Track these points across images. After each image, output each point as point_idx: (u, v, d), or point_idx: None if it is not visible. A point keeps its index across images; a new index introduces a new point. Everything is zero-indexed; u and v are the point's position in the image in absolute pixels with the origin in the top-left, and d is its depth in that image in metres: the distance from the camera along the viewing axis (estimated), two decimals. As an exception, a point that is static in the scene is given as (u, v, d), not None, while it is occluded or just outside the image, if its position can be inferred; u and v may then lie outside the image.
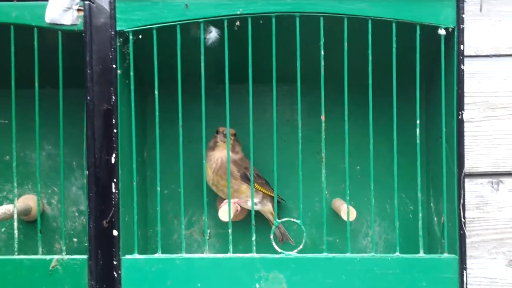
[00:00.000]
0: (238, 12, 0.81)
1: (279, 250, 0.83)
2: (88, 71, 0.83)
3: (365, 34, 0.81)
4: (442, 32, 0.81)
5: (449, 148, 0.84)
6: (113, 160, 0.82)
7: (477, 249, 1.08)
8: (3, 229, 1.05)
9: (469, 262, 1.05)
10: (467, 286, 0.81)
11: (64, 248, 0.84)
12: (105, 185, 0.87)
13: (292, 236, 1.04)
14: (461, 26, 0.81)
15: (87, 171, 0.84)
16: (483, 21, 1.09)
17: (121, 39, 0.83)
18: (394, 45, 0.81)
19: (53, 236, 1.04)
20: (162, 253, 0.83)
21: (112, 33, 0.82)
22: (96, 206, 0.84)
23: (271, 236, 0.85)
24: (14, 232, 0.85)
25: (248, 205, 0.99)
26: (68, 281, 0.82)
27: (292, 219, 0.85)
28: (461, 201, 0.81)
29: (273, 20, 0.81)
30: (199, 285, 0.81)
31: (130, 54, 0.83)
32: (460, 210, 0.81)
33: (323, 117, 0.83)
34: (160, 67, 0.83)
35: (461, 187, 0.81)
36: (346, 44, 0.81)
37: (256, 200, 1.01)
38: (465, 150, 0.82)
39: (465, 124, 0.82)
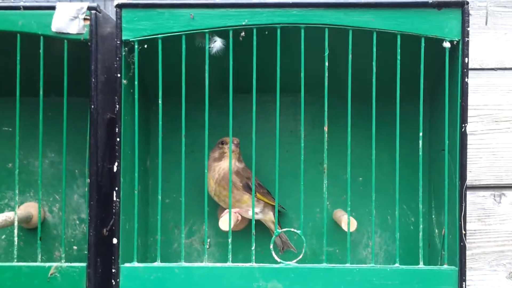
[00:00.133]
0: (244, 23, 0.82)
1: (278, 260, 0.83)
2: (93, 79, 0.83)
3: (369, 46, 0.81)
4: (447, 45, 0.82)
5: (451, 160, 0.84)
6: (115, 169, 0.83)
7: (477, 261, 1.08)
8: (3, 236, 1.05)
9: (469, 274, 1.05)
10: (467, 298, 0.81)
11: (63, 255, 0.85)
12: (106, 194, 0.87)
13: (293, 245, 1.04)
14: (466, 39, 0.81)
15: (89, 179, 0.84)
16: (489, 34, 1.10)
17: (126, 49, 0.83)
18: (399, 57, 0.81)
19: (53, 244, 1.04)
20: (161, 262, 0.83)
21: (118, 42, 0.82)
22: (97, 214, 0.84)
23: (271, 246, 0.85)
24: (14, 239, 0.85)
25: (249, 214, 0.99)
26: (67, 288, 0.82)
27: (292, 229, 0.86)
28: (462, 213, 0.81)
29: (278, 31, 0.82)
30: (197, 294, 0.82)
31: (135, 63, 0.84)
32: (461, 222, 0.81)
33: (326, 128, 0.83)
34: (165, 76, 0.83)
35: (462, 199, 0.81)
36: (350, 56, 0.81)
37: (257, 209, 1.01)
38: (468, 162, 0.82)
39: (469, 137, 0.83)
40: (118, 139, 0.83)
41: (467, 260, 0.82)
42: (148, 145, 1.04)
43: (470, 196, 1.08)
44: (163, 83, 0.83)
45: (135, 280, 0.82)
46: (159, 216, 0.84)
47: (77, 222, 1.04)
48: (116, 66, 0.82)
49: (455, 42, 0.81)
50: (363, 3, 0.81)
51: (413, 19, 0.81)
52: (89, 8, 0.83)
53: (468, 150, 0.83)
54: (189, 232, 1.06)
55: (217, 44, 0.84)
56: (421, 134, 0.83)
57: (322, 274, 0.82)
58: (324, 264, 0.82)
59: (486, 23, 1.09)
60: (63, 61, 0.83)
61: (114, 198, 0.82)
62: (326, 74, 0.82)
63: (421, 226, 0.83)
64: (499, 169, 1.09)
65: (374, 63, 0.81)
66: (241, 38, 0.83)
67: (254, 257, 0.83)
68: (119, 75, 0.83)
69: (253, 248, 0.83)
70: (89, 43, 0.83)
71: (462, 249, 0.81)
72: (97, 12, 0.84)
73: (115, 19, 0.83)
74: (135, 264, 0.83)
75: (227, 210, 0.94)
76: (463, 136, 0.82)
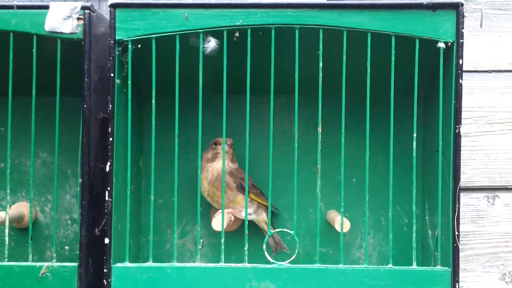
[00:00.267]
0: (238, 24, 0.82)
1: (271, 260, 0.83)
2: (86, 79, 0.83)
3: (364, 47, 0.81)
4: (441, 44, 0.82)
5: (445, 161, 0.84)
6: (107, 169, 0.82)
7: (471, 262, 1.08)
8: (-6, 236, 1.05)
9: (462, 275, 1.05)
10: (460, 298, 0.81)
11: (55, 255, 0.84)
12: (98, 193, 0.87)
13: (286, 246, 1.04)
14: (461, 40, 0.81)
15: (81, 179, 0.84)
16: (483, 37, 1.10)
17: (120, 48, 0.83)
18: (393, 59, 0.82)
19: (45, 244, 1.03)
20: (153, 262, 0.83)
21: (111, 42, 0.82)
22: (89, 214, 0.84)
23: (264, 246, 0.85)
24: (5, 238, 0.85)
25: (242, 215, 0.99)
26: (58, 288, 0.82)
27: (285, 230, 0.85)
28: (456, 215, 0.81)
29: (273, 32, 0.82)
30: (189, 294, 0.81)
31: (129, 63, 0.83)
32: (454, 223, 0.81)
33: (319, 129, 0.83)
34: (158, 76, 0.83)
35: (456, 201, 0.81)
36: (345, 57, 0.81)
37: (250, 210, 1.01)
38: (461, 164, 0.82)
39: (463, 139, 0.83)
40: (110, 139, 0.82)
41: (460, 262, 0.82)
42: (141, 145, 1.04)
43: (464, 197, 1.08)
44: (157, 83, 0.83)
45: (127, 280, 0.81)
46: (151, 216, 0.84)
47: (69, 222, 1.04)
48: (109, 65, 0.82)
49: (449, 43, 0.82)
50: (357, 4, 0.81)
51: (408, 20, 0.82)
52: (83, 8, 0.83)
53: (462, 152, 0.83)
54: (182, 232, 1.06)
55: (211, 44, 0.83)
56: (415, 135, 0.83)
57: (315, 275, 0.81)
58: (317, 264, 0.82)
59: (481, 26, 1.09)
60: (56, 60, 0.82)
61: (106, 198, 0.82)
62: (321, 75, 0.82)
63: (414, 227, 0.84)
64: (493, 171, 1.09)
65: (368, 64, 0.82)
66: (235, 39, 0.83)
67: (247, 258, 0.83)
68: (112, 74, 0.82)
69: (246, 248, 0.83)
70: (82, 43, 0.83)
71: (456, 250, 0.81)
72: (91, 12, 0.84)
73: (109, 19, 0.83)
74: (127, 264, 0.83)
75: (220, 210, 0.94)
76: (457, 137, 0.82)
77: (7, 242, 0.85)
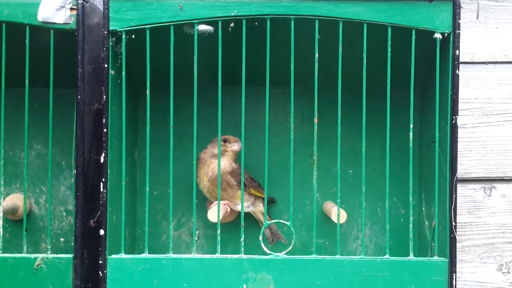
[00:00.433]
0: (233, 14, 0.81)
1: (267, 251, 0.83)
2: (80, 70, 0.83)
3: (360, 38, 0.81)
4: (438, 35, 0.81)
5: (442, 152, 0.84)
6: (102, 160, 0.82)
7: (467, 253, 1.08)
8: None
9: (459, 266, 1.05)
10: (457, 289, 0.81)
11: (49, 247, 0.84)
12: (93, 185, 0.86)
13: (282, 237, 1.05)
14: (457, 31, 0.81)
15: (75, 170, 0.83)
16: (480, 28, 1.10)
17: (113, 39, 0.82)
18: (389, 50, 0.81)
19: (39, 236, 1.03)
20: (149, 253, 0.83)
21: (105, 32, 0.82)
22: (84, 205, 0.83)
23: (260, 237, 0.85)
24: (-1, 230, 0.85)
25: (238, 208, 0.99)
26: (53, 280, 0.81)
27: (282, 221, 0.85)
28: (453, 205, 0.81)
29: (268, 22, 0.81)
30: (185, 285, 0.81)
31: (123, 54, 0.83)
32: (451, 214, 0.81)
33: (316, 120, 0.83)
34: (153, 67, 0.83)
35: (453, 191, 0.81)
36: (341, 48, 0.81)
37: (248, 203, 1.01)
38: (458, 155, 0.82)
39: (459, 130, 0.83)
40: (105, 130, 0.82)
41: (457, 253, 0.82)
42: (135, 136, 1.03)
43: (460, 189, 1.08)
44: (151, 74, 0.83)
45: (123, 271, 0.81)
46: (146, 207, 0.84)
47: (64, 214, 1.03)
48: (103, 56, 0.82)
49: (446, 34, 0.81)
50: (353, -6, 0.81)
51: (404, 11, 0.81)
52: (76, -2, 0.83)
53: (458, 143, 0.82)
54: (178, 224, 1.06)
55: (206, 27, 0.83)
56: (411, 126, 0.83)
57: (312, 266, 0.81)
58: (313, 255, 0.82)
59: (477, 17, 1.09)
60: (50, 51, 0.82)
61: (101, 189, 0.82)
62: (316, 66, 0.81)
63: (411, 218, 0.83)
64: (490, 162, 1.09)
65: (364, 55, 0.81)
66: (230, 29, 0.82)
67: (243, 249, 0.83)
68: (106, 65, 0.82)
69: (242, 239, 0.83)
70: (76, 33, 0.82)
71: (453, 241, 0.81)
72: (84, 2, 0.83)
73: (102, 9, 0.82)
74: (123, 255, 0.82)
75: (216, 201, 0.93)
76: (454, 128, 0.82)
77: (1, 234, 0.84)
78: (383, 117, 0.83)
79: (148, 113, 0.83)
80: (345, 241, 1.04)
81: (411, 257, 0.82)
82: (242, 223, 0.84)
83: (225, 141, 0.99)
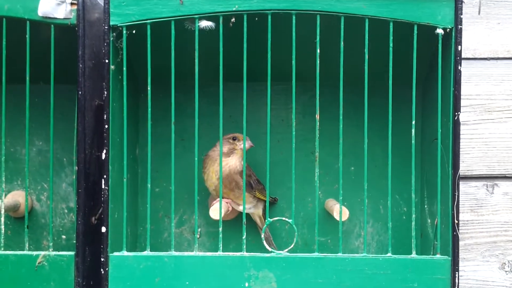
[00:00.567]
0: (234, 9, 0.81)
1: (269, 249, 0.83)
2: (80, 65, 0.82)
3: (362, 34, 0.81)
4: (440, 31, 0.81)
5: (444, 149, 0.84)
6: (103, 156, 0.82)
7: (470, 251, 1.08)
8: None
9: (461, 265, 1.05)
10: (459, 288, 0.81)
11: (51, 244, 0.84)
12: (94, 182, 0.86)
13: (284, 236, 1.04)
14: (459, 26, 0.80)
15: (76, 167, 0.83)
16: (482, 24, 1.09)
17: (114, 34, 0.82)
18: (391, 45, 0.81)
19: (41, 233, 1.03)
20: (151, 251, 0.82)
21: (106, 27, 0.81)
22: (85, 202, 0.83)
23: (262, 235, 0.84)
24: (1, 227, 0.84)
25: (240, 209, 0.98)
26: (55, 278, 0.81)
27: (284, 218, 0.85)
28: (455, 203, 0.81)
29: (269, 17, 0.81)
30: (187, 283, 0.81)
31: (124, 49, 0.82)
32: (454, 211, 0.81)
33: (317, 116, 0.82)
34: (154, 63, 0.82)
35: (455, 189, 0.81)
36: (342, 43, 0.81)
37: (251, 205, 1.00)
38: (460, 152, 0.82)
39: (461, 127, 0.82)
40: (106, 126, 0.82)
41: (459, 250, 0.82)
42: (137, 133, 1.03)
43: (463, 186, 1.08)
44: (152, 69, 0.82)
45: (124, 269, 0.81)
46: (148, 205, 0.84)
47: (66, 211, 1.03)
48: (104, 51, 0.81)
49: (448, 29, 0.81)
50: (355, -11, 0.80)
51: (406, 6, 0.81)
52: (77, -7, 0.82)
53: (460, 140, 0.82)
54: (180, 221, 1.05)
55: (206, 22, 0.82)
56: (413, 122, 0.82)
57: (314, 264, 0.81)
58: (315, 253, 0.82)
59: (479, 13, 1.09)
60: (50, 47, 0.81)
61: (103, 186, 0.81)
62: (318, 62, 0.81)
63: (413, 215, 0.83)
64: (492, 159, 1.08)
65: (366, 51, 0.81)
66: (231, 24, 0.82)
67: (245, 246, 0.82)
68: (107, 60, 0.81)
69: (244, 237, 0.82)
70: (76, 28, 0.82)
71: (455, 239, 0.81)
72: (85, -3, 0.83)
73: (103, 4, 0.82)
74: (124, 253, 0.82)
75: (217, 199, 0.93)
76: (456, 124, 0.81)
77: (3, 231, 0.84)
78: (385, 114, 0.83)
79: (149, 109, 0.83)
80: (347, 239, 1.04)
81: (414, 255, 0.82)
82: (244, 220, 0.83)
83: (234, 139, 0.98)
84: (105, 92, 0.81)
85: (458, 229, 0.81)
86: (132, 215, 1.00)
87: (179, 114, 0.98)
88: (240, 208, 0.98)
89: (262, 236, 0.84)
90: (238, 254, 0.82)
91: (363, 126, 0.83)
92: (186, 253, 0.82)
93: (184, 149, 1.03)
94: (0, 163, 0.84)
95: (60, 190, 1.03)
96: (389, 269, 0.81)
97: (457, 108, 0.81)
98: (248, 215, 1.03)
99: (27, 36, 0.81)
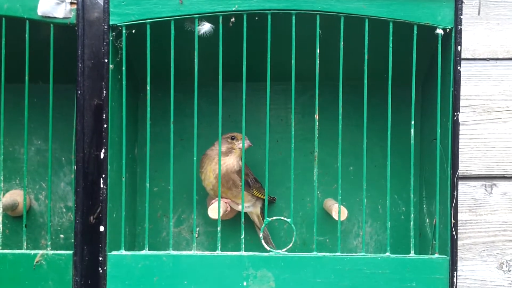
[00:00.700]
0: (234, 9, 0.81)
1: (268, 248, 0.83)
2: (80, 65, 0.82)
3: (362, 34, 0.81)
4: (439, 31, 0.81)
5: (443, 149, 0.84)
6: (102, 156, 0.82)
7: (468, 251, 1.08)
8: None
9: (460, 264, 1.05)
10: (457, 287, 0.81)
11: (49, 243, 0.84)
12: (93, 181, 0.86)
13: (282, 235, 1.04)
14: (459, 27, 0.81)
15: (75, 166, 0.83)
16: (481, 25, 1.09)
17: (114, 34, 0.82)
18: (391, 45, 0.81)
19: (39, 232, 1.03)
20: (149, 250, 0.82)
21: (105, 27, 0.81)
22: (84, 202, 0.83)
23: (260, 235, 0.84)
24: (-1, 226, 0.85)
25: (239, 208, 0.98)
26: (53, 277, 0.81)
27: (282, 218, 0.85)
28: (454, 203, 0.81)
29: (269, 17, 0.81)
30: (185, 282, 0.81)
31: (123, 49, 0.82)
32: (452, 211, 0.81)
33: (317, 116, 0.82)
34: (154, 63, 0.82)
35: (454, 189, 0.81)
36: (342, 43, 0.81)
37: (249, 204, 1.00)
38: (459, 152, 0.82)
39: (460, 127, 0.82)
40: (105, 126, 0.82)
41: (458, 250, 0.82)
42: (136, 132, 1.03)
43: (461, 186, 1.08)
44: (152, 69, 0.82)
45: (123, 268, 0.81)
46: (147, 204, 0.84)
47: (64, 210, 1.03)
48: (103, 51, 0.81)
49: (448, 30, 0.81)
50: (355, -11, 0.80)
51: (406, 6, 0.81)
52: (76, -8, 0.82)
53: (459, 141, 0.82)
54: (178, 221, 1.05)
55: (206, 27, 0.82)
56: (413, 122, 0.82)
57: (312, 263, 0.81)
58: (314, 252, 0.82)
59: (478, 13, 1.09)
60: (50, 46, 0.81)
61: (101, 185, 0.81)
62: (318, 62, 0.81)
63: (412, 215, 0.83)
64: (490, 159, 1.08)
65: (366, 51, 0.81)
66: (231, 24, 0.82)
67: (243, 246, 0.82)
68: (106, 60, 0.81)
69: (242, 236, 0.82)
70: (76, 28, 0.82)
71: (454, 239, 0.81)
72: (84, -4, 0.83)
73: (102, 3, 0.82)
74: (123, 252, 0.82)
75: (216, 198, 0.93)
76: (455, 125, 0.81)
77: (1, 230, 0.84)
78: (384, 114, 0.83)
79: (148, 109, 0.83)
80: (345, 238, 1.04)
81: (412, 254, 0.82)
82: (243, 220, 0.83)
83: (232, 138, 0.98)
84: (104, 92, 0.81)
85: (456, 229, 0.81)
86: (131, 215, 1.00)
87: (178, 114, 0.98)
88: (239, 207, 0.98)
89: (260, 235, 0.85)
90: (236, 253, 0.82)
91: (363, 126, 0.83)
92: (184, 253, 0.82)
93: (183, 148, 1.03)
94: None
95: (58, 189, 1.03)
96: (388, 269, 0.81)
97: (456, 108, 0.81)
98: (246, 214, 1.03)
99: (27, 35, 0.81)
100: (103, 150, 0.82)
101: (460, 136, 0.83)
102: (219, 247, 0.82)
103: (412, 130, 0.83)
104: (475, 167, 1.09)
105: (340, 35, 0.81)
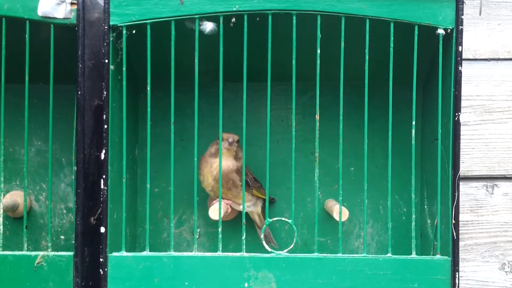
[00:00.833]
0: (234, 9, 0.81)
1: (269, 249, 0.83)
2: (80, 65, 0.82)
3: (362, 34, 0.80)
4: (440, 31, 0.81)
5: (444, 150, 0.84)
6: (102, 157, 0.81)
7: (470, 252, 1.08)
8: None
9: (461, 265, 1.05)
10: (459, 288, 0.81)
11: (50, 245, 0.83)
12: (94, 182, 0.86)
13: (283, 236, 1.04)
14: (460, 27, 0.81)
15: (76, 167, 0.83)
16: (482, 25, 1.09)
17: (114, 34, 0.82)
18: (392, 46, 0.81)
19: (40, 233, 1.03)
20: (150, 251, 0.82)
21: (105, 27, 0.81)
22: (84, 203, 0.83)
23: (261, 236, 0.84)
24: (-1, 228, 0.84)
25: (240, 208, 0.98)
26: (53, 278, 0.81)
27: (283, 219, 0.85)
28: (455, 203, 0.81)
29: (270, 17, 0.81)
30: (186, 283, 0.81)
31: (123, 49, 0.82)
32: (453, 212, 0.81)
33: (317, 117, 0.82)
34: (154, 63, 0.82)
35: (455, 189, 0.81)
36: (343, 44, 0.81)
37: (250, 203, 1.00)
38: (460, 153, 0.82)
39: (461, 127, 0.82)
40: (105, 126, 0.81)
41: (459, 251, 0.82)
42: (136, 133, 1.03)
43: (463, 187, 1.08)
44: (152, 70, 0.82)
45: (123, 269, 0.81)
46: (147, 205, 0.83)
47: (64, 211, 1.03)
48: (103, 51, 0.81)
49: (449, 30, 0.81)
50: (355, -11, 0.80)
51: (407, 6, 0.81)
52: (76, -8, 0.82)
53: (460, 141, 0.82)
54: (179, 222, 1.05)
55: (210, 25, 0.82)
56: (414, 122, 0.82)
57: (314, 264, 0.81)
58: (315, 253, 0.82)
59: (479, 14, 1.09)
60: (50, 47, 0.81)
61: (102, 186, 0.81)
62: (318, 62, 0.81)
63: (413, 216, 0.83)
64: (492, 160, 1.08)
65: (366, 52, 0.81)
66: (231, 25, 0.82)
67: (244, 247, 0.82)
68: (106, 61, 0.81)
69: (243, 237, 0.82)
70: (76, 28, 0.82)
71: (455, 240, 0.81)
72: (85, -3, 0.83)
73: (103, 4, 0.82)
74: (123, 253, 0.82)
75: (217, 199, 0.93)
76: (456, 125, 0.81)
77: (1, 231, 0.84)
78: (385, 114, 0.83)
79: (148, 110, 0.83)
80: (347, 239, 1.04)
81: (414, 255, 0.82)
82: (244, 221, 0.83)
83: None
84: (105, 92, 0.81)
85: (457, 230, 0.81)
86: (131, 216, 1.00)
87: (179, 114, 0.98)
88: (240, 207, 0.98)
89: (261, 236, 0.84)
90: (237, 254, 0.82)
91: (363, 127, 0.83)
92: (185, 254, 0.82)
93: (183, 149, 1.03)
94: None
95: (59, 190, 1.03)
96: (389, 270, 0.81)
97: (457, 108, 0.81)
98: (247, 214, 1.03)
99: (27, 35, 0.81)
100: (104, 151, 0.81)
101: (461, 137, 0.83)
102: (220, 248, 0.82)
103: (413, 131, 0.82)
104: (476, 168, 1.08)
105: (341, 36, 0.80)
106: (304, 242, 1.04)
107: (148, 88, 0.82)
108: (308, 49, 0.82)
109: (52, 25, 0.81)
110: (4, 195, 0.98)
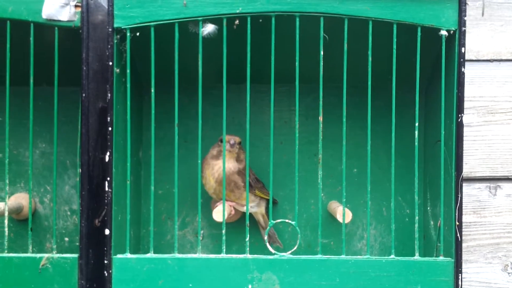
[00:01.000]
0: (238, 11, 0.81)
1: (272, 251, 0.83)
2: (84, 68, 0.82)
3: (365, 36, 0.81)
4: (443, 32, 0.81)
5: (447, 151, 0.84)
6: (107, 159, 0.82)
7: (473, 253, 1.08)
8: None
9: (464, 266, 1.05)
10: (462, 290, 0.81)
11: (54, 247, 0.84)
12: (98, 184, 0.86)
13: (287, 238, 1.04)
14: (463, 28, 0.81)
15: (80, 169, 0.83)
16: (485, 26, 1.09)
17: (118, 36, 0.82)
18: (395, 47, 0.81)
19: (44, 235, 1.03)
20: (154, 253, 0.82)
21: (110, 30, 0.81)
22: (88, 205, 0.83)
23: (265, 237, 0.84)
24: (4, 230, 0.84)
25: (244, 209, 0.98)
26: (58, 280, 0.81)
27: (287, 220, 0.85)
28: (458, 205, 0.81)
29: (273, 19, 0.81)
30: (191, 285, 0.81)
31: (127, 51, 0.82)
32: (456, 213, 0.81)
33: (321, 118, 0.82)
34: (158, 65, 0.82)
35: (458, 191, 0.81)
36: (346, 45, 0.81)
37: (253, 204, 1.00)
38: (463, 154, 0.82)
39: (464, 129, 0.82)
40: (110, 129, 0.82)
41: (462, 252, 0.82)
42: (140, 135, 1.03)
43: (466, 188, 1.08)
44: (156, 72, 0.82)
45: (128, 271, 0.81)
46: (151, 207, 0.84)
47: (69, 213, 1.03)
48: (108, 54, 0.81)
49: (451, 31, 0.81)
50: (358, -9, 0.80)
51: (409, 8, 0.81)
52: (80, -5, 0.82)
53: (463, 142, 0.82)
54: (182, 223, 1.05)
55: (210, 28, 0.82)
56: (417, 124, 0.82)
57: (317, 266, 0.81)
58: (319, 255, 0.82)
59: (482, 15, 1.09)
60: (54, 49, 0.81)
61: (106, 188, 0.82)
62: (321, 64, 0.81)
63: (416, 217, 0.83)
64: (495, 161, 1.08)
65: (370, 53, 0.81)
66: (235, 27, 0.82)
67: (248, 249, 0.82)
68: (111, 63, 0.81)
69: (247, 239, 0.82)
70: (80, 31, 0.82)
71: (458, 241, 0.81)
72: (89, -1, 0.83)
73: (107, 6, 0.82)
74: (128, 255, 0.82)
75: (220, 201, 0.93)
76: (460, 126, 0.81)
77: (6, 234, 0.84)
78: (388, 116, 0.83)
79: (153, 112, 0.83)
80: (350, 240, 1.04)
81: (417, 257, 0.82)
82: (247, 222, 0.83)
83: (221, 141, 0.97)
84: (109, 95, 0.81)
85: (460, 231, 0.81)
86: (135, 217, 1.00)
87: (183, 116, 0.98)
88: (243, 209, 0.98)
89: (265, 238, 0.84)
90: (241, 256, 0.82)
91: (367, 128, 0.83)
92: (189, 255, 0.82)
93: (187, 151, 1.03)
94: (4, 165, 0.84)
95: (63, 192, 1.03)
96: (392, 271, 0.81)
97: (460, 109, 0.81)
98: (251, 215, 1.03)
99: (31, 38, 0.81)
100: (108, 153, 0.82)
101: (465, 138, 0.83)
102: (224, 250, 0.82)
103: (416, 132, 0.82)
104: (479, 169, 1.08)
105: (344, 37, 0.81)
106: (307, 244, 1.04)
107: (152, 90, 0.82)
108: (311, 51, 0.82)
109: (56, 28, 0.81)
110: (9, 197, 0.99)
